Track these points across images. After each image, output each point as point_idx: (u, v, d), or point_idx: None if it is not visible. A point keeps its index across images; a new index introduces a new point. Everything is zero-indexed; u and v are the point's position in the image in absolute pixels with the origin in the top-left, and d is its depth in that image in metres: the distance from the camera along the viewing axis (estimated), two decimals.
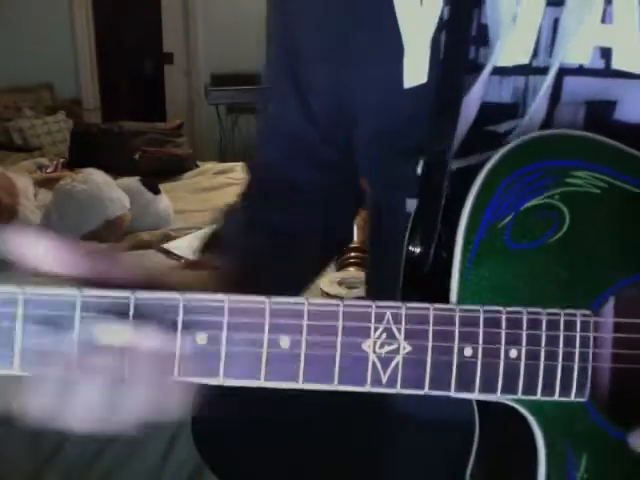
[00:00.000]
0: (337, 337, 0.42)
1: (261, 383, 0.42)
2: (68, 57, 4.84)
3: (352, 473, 0.75)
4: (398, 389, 0.43)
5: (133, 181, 2.60)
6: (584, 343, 0.46)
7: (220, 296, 0.41)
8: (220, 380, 0.42)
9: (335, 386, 0.43)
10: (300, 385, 0.43)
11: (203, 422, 0.75)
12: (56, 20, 4.72)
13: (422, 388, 0.43)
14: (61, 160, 3.58)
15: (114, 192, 2.36)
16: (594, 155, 0.47)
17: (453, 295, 0.45)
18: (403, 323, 0.43)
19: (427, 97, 0.54)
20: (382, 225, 0.68)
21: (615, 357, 0.48)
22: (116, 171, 3.16)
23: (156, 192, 2.57)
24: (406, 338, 0.43)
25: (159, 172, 3.45)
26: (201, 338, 0.41)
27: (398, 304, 0.43)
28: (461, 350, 0.44)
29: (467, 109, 0.53)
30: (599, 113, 0.53)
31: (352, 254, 1.82)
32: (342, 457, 0.75)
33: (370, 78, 0.59)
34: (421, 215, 0.51)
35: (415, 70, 0.56)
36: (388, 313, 0.43)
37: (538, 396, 0.45)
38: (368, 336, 0.43)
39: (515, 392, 0.44)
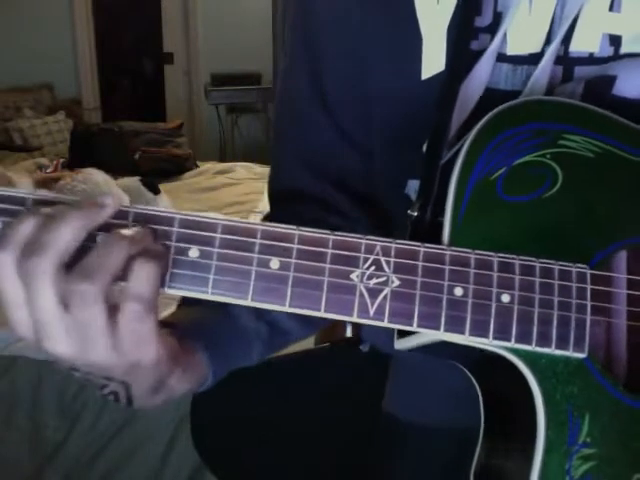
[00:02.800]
0: (325, 264, 0.42)
1: (248, 302, 0.42)
2: (68, 57, 4.84)
3: (352, 474, 0.75)
4: (385, 322, 0.43)
5: (133, 181, 2.60)
6: (582, 295, 0.45)
7: (214, 215, 0.43)
8: (208, 294, 0.42)
9: (322, 313, 0.42)
10: (287, 308, 0.42)
11: (203, 422, 0.75)
12: (56, 20, 4.73)
13: (411, 323, 0.43)
14: (61, 160, 3.58)
15: (114, 192, 2.36)
16: (588, 122, 0.48)
17: (445, 238, 0.45)
18: (392, 256, 0.43)
19: (441, 85, 0.55)
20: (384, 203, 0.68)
21: (626, 315, 0.47)
22: (116, 171, 3.16)
23: (156, 192, 2.57)
24: (395, 272, 0.43)
25: (159, 172, 3.46)
26: (193, 252, 0.42)
27: (389, 239, 0.43)
28: (451, 288, 0.43)
29: (468, 94, 0.54)
30: (597, 89, 0.54)
31: None
32: (343, 459, 0.75)
33: (388, 71, 0.60)
34: (423, 188, 0.51)
35: (433, 59, 0.56)
36: (378, 246, 0.43)
37: (533, 346, 0.44)
38: (357, 266, 0.43)
39: (508, 338, 0.43)
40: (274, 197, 0.69)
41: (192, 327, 0.51)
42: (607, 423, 0.45)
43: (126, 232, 0.40)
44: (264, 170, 3.58)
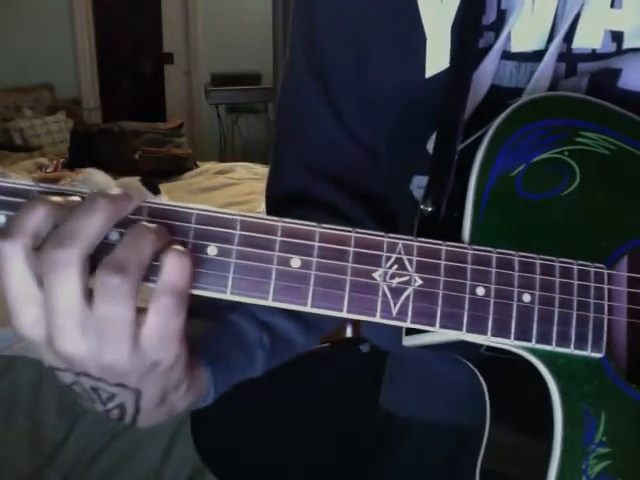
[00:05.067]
0: (348, 262, 0.41)
1: (269, 302, 0.41)
2: (68, 57, 4.84)
3: (352, 474, 0.75)
4: (408, 322, 0.42)
5: (133, 181, 2.61)
6: (599, 295, 0.45)
7: (233, 212, 0.41)
8: (227, 294, 0.40)
9: (345, 314, 0.41)
10: (309, 308, 0.41)
11: (203, 422, 0.75)
12: (56, 20, 4.73)
13: (433, 323, 0.42)
14: (61, 160, 3.59)
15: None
16: (603, 119, 0.48)
17: (465, 236, 0.45)
18: (415, 255, 0.42)
19: (446, 83, 0.55)
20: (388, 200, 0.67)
21: (636, 314, 0.47)
22: (116, 171, 3.17)
23: (156, 192, 2.57)
24: (417, 271, 0.42)
25: (159, 172, 3.46)
26: (212, 249, 0.40)
27: (410, 237, 0.43)
28: (473, 288, 0.43)
29: (474, 91, 0.54)
30: (602, 82, 0.54)
31: None
32: (343, 459, 0.75)
33: (392, 69, 0.60)
34: (432, 183, 0.51)
35: (437, 57, 0.57)
36: (400, 244, 0.42)
37: (553, 346, 0.44)
38: (379, 265, 0.42)
39: (529, 339, 0.43)
40: (273, 200, 0.68)
41: (194, 340, 0.48)
42: (622, 422, 0.45)
43: (152, 225, 0.38)
44: (264, 170, 3.58)
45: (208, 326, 0.53)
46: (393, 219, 0.65)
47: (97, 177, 2.45)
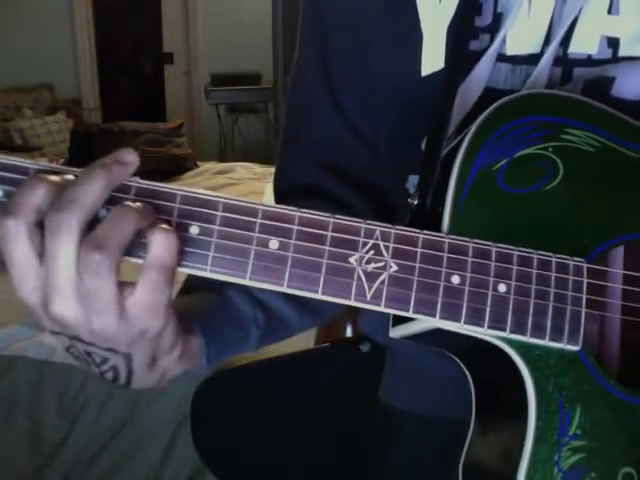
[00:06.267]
0: (325, 246, 0.43)
1: (246, 281, 0.42)
2: (68, 57, 4.84)
3: (352, 474, 0.75)
4: (382, 307, 0.43)
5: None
6: (577, 288, 0.45)
7: (216, 194, 0.43)
8: (207, 272, 0.42)
9: (320, 295, 0.42)
10: (284, 288, 0.42)
11: (203, 422, 0.75)
12: (56, 20, 4.73)
13: (407, 309, 0.43)
14: (61, 160, 3.58)
15: None
16: (590, 117, 0.48)
17: (444, 226, 0.45)
18: (391, 242, 0.43)
19: (441, 83, 0.55)
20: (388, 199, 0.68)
21: (621, 310, 0.47)
22: None
23: None
24: (393, 257, 0.43)
25: (159, 172, 3.46)
26: (194, 229, 0.42)
27: (388, 225, 0.44)
28: (448, 276, 0.43)
29: (468, 92, 0.55)
30: (596, 90, 0.54)
31: None
32: (343, 459, 0.75)
33: (389, 67, 0.60)
34: (422, 179, 0.51)
35: (433, 57, 0.57)
36: (377, 231, 0.43)
37: (528, 336, 0.44)
38: (356, 250, 0.43)
39: (504, 328, 0.44)
40: (281, 192, 0.70)
41: (189, 312, 0.51)
42: (598, 416, 0.45)
43: (135, 204, 0.40)
44: (264, 170, 3.58)
45: (205, 300, 0.55)
46: (394, 213, 0.65)
47: None
